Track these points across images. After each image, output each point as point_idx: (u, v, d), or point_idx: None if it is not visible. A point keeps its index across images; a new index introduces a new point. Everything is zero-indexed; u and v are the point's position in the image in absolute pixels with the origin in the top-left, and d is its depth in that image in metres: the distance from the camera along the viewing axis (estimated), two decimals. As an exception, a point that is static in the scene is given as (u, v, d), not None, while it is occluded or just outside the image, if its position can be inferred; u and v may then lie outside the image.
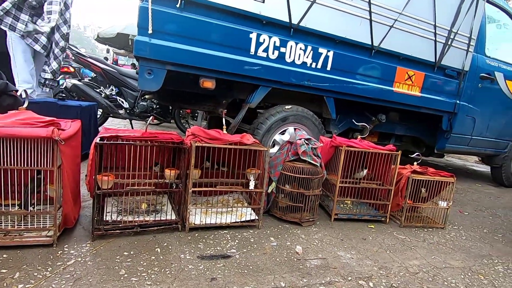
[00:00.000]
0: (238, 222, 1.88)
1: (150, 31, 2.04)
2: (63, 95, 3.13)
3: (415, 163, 2.40)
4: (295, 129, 2.64)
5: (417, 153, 2.46)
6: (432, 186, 2.31)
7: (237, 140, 1.84)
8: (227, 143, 1.80)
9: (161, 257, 1.47)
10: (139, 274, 1.32)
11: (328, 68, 2.62)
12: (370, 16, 2.61)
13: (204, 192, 2.09)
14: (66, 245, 1.47)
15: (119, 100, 4.28)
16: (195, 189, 1.78)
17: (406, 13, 2.74)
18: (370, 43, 2.69)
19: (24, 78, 2.72)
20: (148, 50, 2.07)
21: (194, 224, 1.77)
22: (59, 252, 1.40)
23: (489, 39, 3.43)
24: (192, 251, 1.56)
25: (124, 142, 1.60)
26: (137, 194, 1.85)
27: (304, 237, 1.88)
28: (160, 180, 1.79)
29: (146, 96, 3.86)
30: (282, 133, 2.66)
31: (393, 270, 1.64)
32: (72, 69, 4.74)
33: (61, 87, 3.48)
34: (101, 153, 1.69)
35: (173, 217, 1.76)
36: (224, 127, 2.01)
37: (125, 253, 1.47)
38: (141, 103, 4.40)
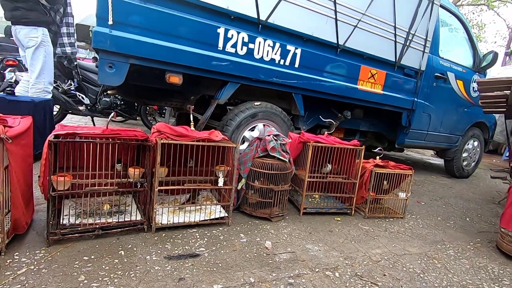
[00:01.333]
0: (207, 220, 1.85)
1: (110, 22, 1.92)
2: (13, 89, 2.86)
3: (377, 157, 2.53)
4: (264, 125, 2.66)
5: (379, 148, 2.59)
6: (393, 178, 2.45)
7: (205, 137, 1.80)
8: (195, 140, 1.76)
9: (125, 260, 1.40)
10: (100, 279, 1.25)
11: (296, 65, 2.66)
12: (336, 15, 2.68)
13: (173, 190, 2.03)
14: (17, 253, 1.35)
15: (79, 95, 4.01)
16: (162, 187, 1.72)
17: (369, 14, 2.85)
18: (336, 41, 2.77)
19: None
20: (108, 42, 1.95)
21: (161, 224, 1.72)
22: (8, 261, 1.28)
23: (442, 41, 3.70)
24: (159, 251, 1.51)
25: (82, 140, 1.50)
26: (98, 195, 1.75)
27: (274, 232, 1.91)
28: (123, 179, 1.70)
29: (109, 92, 3.65)
30: (252, 129, 2.66)
31: (357, 259, 1.71)
32: (17, 62, 4.33)
33: (10, 80, 3.17)
34: (56, 152, 1.56)
35: (138, 218, 1.69)
36: (192, 123, 1.96)
37: (85, 257, 1.38)
38: (103, 99, 4.16)
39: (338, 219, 2.29)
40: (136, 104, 4.63)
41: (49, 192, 1.41)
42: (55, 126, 2.66)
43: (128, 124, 5.47)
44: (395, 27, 3.05)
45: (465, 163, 4.48)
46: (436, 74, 3.60)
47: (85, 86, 4.00)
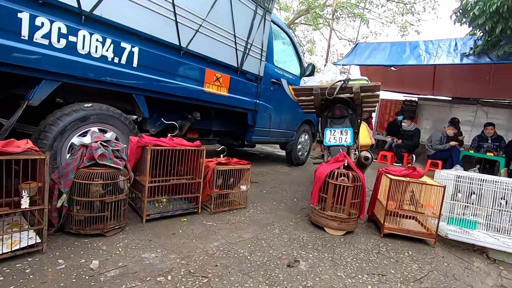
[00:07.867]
0: (8, 253, 1.48)
1: None
2: None
3: (221, 155, 2.73)
4: (100, 130, 2.38)
5: (222, 147, 2.81)
6: (235, 173, 2.71)
7: (-6, 149, 1.42)
8: (-24, 155, 1.36)
9: None
10: None
11: (135, 65, 2.50)
12: (175, 17, 2.69)
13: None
14: None
15: None
16: None
17: (209, 20, 3.01)
18: (178, 43, 2.78)
19: None
20: None
21: None
22: None
23: (276, 52, 4.38)
24: None
25: None
26: None
27: (106, 248, 1.73)
28: None
29: None
30: (84, 135, 2.33)
31: (194, 257, 1.79)
32: None
33: None
34: None
35: None
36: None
37: None
38: None
39: (184, 220, 2.33)
40: None
41: None
42: None
43: None
44: (235, 36, 3.36)
45: (300, 153, 5.50)
46: (272, 80, 4.23)
47: None
